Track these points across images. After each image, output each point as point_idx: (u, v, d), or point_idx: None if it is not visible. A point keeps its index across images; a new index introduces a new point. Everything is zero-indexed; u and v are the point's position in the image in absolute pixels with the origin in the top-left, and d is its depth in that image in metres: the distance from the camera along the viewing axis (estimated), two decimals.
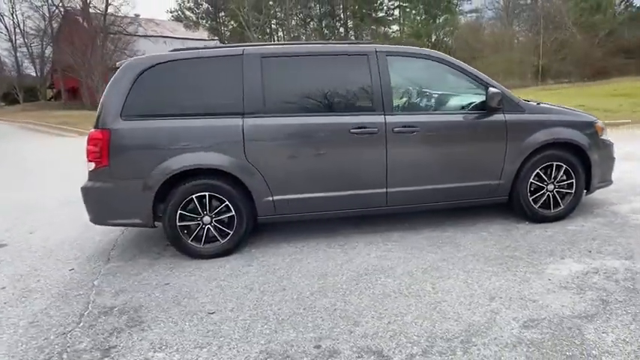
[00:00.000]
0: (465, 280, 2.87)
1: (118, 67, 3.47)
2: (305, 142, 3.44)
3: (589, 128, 3.76)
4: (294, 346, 2.28)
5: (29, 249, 3.95)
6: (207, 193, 3.37)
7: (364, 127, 3.41)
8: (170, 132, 3.33)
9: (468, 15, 41.92)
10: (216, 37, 42.56)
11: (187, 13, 47.57)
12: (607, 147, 3.85)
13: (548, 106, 3.95)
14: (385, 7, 48.64)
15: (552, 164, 3.68)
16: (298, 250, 3.55)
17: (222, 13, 50.50)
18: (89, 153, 3.36)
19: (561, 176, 3.72)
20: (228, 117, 3.36)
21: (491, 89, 3.47)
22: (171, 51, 3.54)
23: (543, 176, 3.70)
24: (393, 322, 2.44)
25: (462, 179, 3.64)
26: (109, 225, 3.75)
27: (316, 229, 3.87)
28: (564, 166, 3.69)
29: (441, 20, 35.04)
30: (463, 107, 3.66)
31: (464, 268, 3.05)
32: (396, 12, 49.24)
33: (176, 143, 3.33)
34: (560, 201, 3.76)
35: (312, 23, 47.90)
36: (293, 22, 44.57)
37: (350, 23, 51.94)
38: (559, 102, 5.45)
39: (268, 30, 43.77)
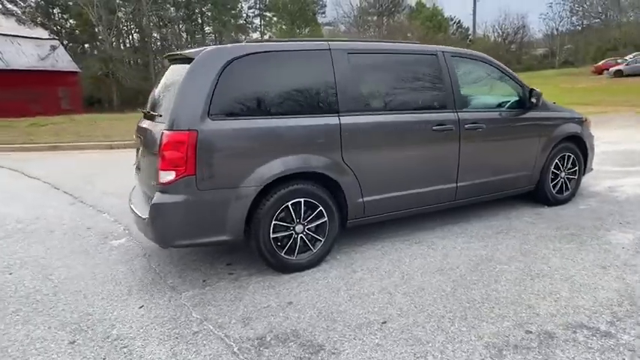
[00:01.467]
0: (562, 257, 3.23)
1: (186, 57, 2.94)
2: (395, 139, 3.41)
3: (583, 123, 4.55)
4: (509, 336, 2.30)
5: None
6: (302, 199, 3.08)
7: (443, 125, 3.54)
8: (266, 132, 2.96)
9: (325, 27, 44.98)
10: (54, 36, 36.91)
11: (9, 5, 40.19)
12: (592, 138, 4.72)
13: (556, 104, 4.61)
14: (245, 15, 48.91)
15: (565, 155, 4.35)
16: (382, 251, 3.48)
17: (58, 10, 44.27)
18: (166, 160, 2.76)
19: (570, 165, 4.43)
20: (323, 115, 3.13)
21: (535, 89, 3.95)
22: (249, 42, 3.13)
23: (560, 165, 4.35)
24: (558, 299, 2.64)
25: (510, 171, 4.05)
26: (181, 246, 3.17)
27: (368, 232, 3.83)
28: (572, 155, 4.41)
29: (306, 31, 36.71)
30: (506, 105, 4.07)
31: (547, 247, 3.41)
32: (257, 20, 49.87)
33: (273, 145, 2.97)
34: (568, 186, 4.47)
35: (168, 25, 45.35)
36: (148, 22, 41.45)
37: (208, 28, 50.63)
38: None
39: (125, 29, 39.93)
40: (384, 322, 2.48)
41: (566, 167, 4.40)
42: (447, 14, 38.95)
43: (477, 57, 3.95)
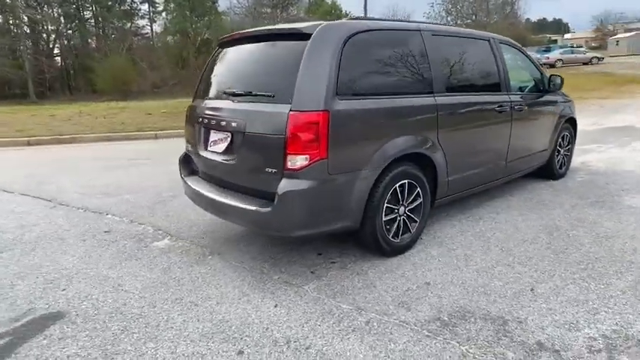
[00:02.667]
0: (610, 220, 3.69)
1: (298, 31, 2.70)
2: (472, 119, 3.56)
3: (572, 105, 5.19)
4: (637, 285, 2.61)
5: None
6: (406, 181, 3.06)
7: (502, 106, 3.79)
8: (388, 112, 2.88)
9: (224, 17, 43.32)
10: None
11: None
12: None
13: None
14: (129, 0, 44.86)
15: (564, 134, 4.94)
16: (458, 229, 3.62)
17: None
18: (298, 143, 2.52)
19: (566, 143, 5.04)
20: (425, 95, 3.13)
21: (557, 75, 4.41)
22: (353, 19, 2.96)
23: (561, 143, 4.93)
24: None
25: (538, 148, 4.48)
26: (300, 237, 2.99)
27: None
28: (568, 134, 5.03)
29: (205, 19, 34.97)
30: (534, 87, 4.46)
31: (590, 214, 3.86)
32: (145, 7, 46.14)
33: (393, 126, 2.91)
34: (564, 162, 5.08)
35: (41, 6, 39.51)
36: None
37: (87, 13, 45.55)
38: None
39: None
40: (532, 289, 2.63)
41: (564, 145, 5.01)
42: (343, 9, 40.47)
43: (512, 44, 4.28)
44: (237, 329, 2.31)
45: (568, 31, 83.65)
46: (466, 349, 2.09)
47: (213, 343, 2.20)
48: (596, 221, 3.68)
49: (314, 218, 2.68)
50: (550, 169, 4.85)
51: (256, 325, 2.34)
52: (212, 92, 3.32)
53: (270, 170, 2.65)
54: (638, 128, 8.45)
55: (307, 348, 2.14)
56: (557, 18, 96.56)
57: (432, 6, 54.96)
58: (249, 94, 2.87)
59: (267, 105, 2.72)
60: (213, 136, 3.10)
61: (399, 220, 3.09)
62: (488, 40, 3.86)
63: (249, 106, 2.84)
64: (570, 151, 5.15)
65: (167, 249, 3.40)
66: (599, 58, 30.20)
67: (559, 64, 29.27)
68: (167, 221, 4.04)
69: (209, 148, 3.13)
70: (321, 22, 2.76)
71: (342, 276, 2.86)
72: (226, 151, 2.94)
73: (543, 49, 35.31)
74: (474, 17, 52.13)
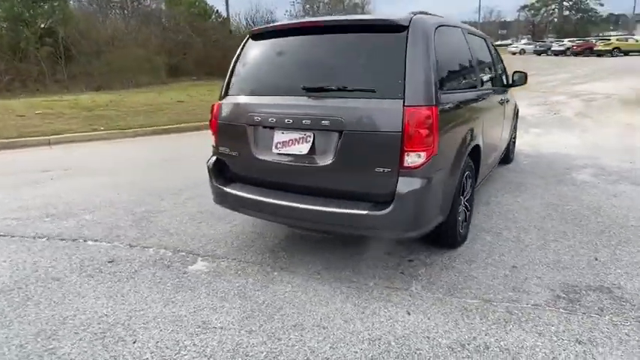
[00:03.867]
0: (583, 193, 4.37)
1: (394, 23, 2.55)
2: (491, 111, 3.81)
3: None
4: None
5: None
6: (468, 172, 3.16)
7: (502, 99, 4.16)
8: (466, 105, 2.95)
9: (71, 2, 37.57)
10: None
11: None
12: None
13: None
14: None
15: (515, 123, 5.64)
16: (484, 214, 3.87)
17: None
18: (417, 139, 2.41)
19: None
20: (475, 89, 3.26)
21: (521, 70, 4.97)
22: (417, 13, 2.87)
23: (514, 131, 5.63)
24: (618, 210, 3.70)
25: (510, 135, 5.02)
26: (415, 237, 2.76)
27: None
28: (516, 124, 5.76)
29: (47, 6, 29.77)
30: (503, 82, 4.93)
31: (562, 190, 4.50)
32: None
33: (472, 118, 3.01)
34: (512, 147, 5.80)
35: None
36: None
37: None
38: None
39: None
40: (595, 258, 2.98)
41: (514, 133, 5.73)
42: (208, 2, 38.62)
43: (492, 44, 4.70)
44: (399, 345, 2.13)
45: None
46: (609, 319, 2.29)
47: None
48: (574, 196, 4.32)
49: (426, 217, 2.60)
50: (507, 155, 5.51)
51: (414, 336, 2.19)
52: (266, 88, 2.92)
53: (380, 170, 2.47)
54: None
55: (487, 347, 2.09)
56: None
57: (292, 4, 56.20)
58: (343, 89, 2.60)
59: (370, 101, 2.52)
60: (282, 136, 2.74)
61: (463, 211, 3.18)
62: (485, 40, 4.20)
63: (342, 102, 2.58)
64: (515, 138, 5.92)
65: (213, 271, 2.92)
66: None
67: None
68: (176, 239, 3.45)
69: (276, 150, 2.76)
70: (403, 13, 2.66)
71: (435, 272, 2.84)
72: (312, 152, 2.64)
73: None
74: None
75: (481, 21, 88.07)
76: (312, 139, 2.64)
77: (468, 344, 2.12)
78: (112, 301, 2.58)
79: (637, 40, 31.11)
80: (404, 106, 2.41)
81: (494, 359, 2.02)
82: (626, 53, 28.68)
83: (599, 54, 30.37)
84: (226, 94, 3.09)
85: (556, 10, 71.00)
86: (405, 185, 2.43)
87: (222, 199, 3.08)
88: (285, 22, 2.96)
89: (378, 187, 2.51)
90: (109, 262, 3.10)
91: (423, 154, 2.43)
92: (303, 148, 2.66)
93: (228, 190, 2.99)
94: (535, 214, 3.84)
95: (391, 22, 2.59)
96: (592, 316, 2.33)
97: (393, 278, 2.77)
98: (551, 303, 2.45)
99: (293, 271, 2.90)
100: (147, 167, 5.94)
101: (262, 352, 2.09)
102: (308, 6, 56.94)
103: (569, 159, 5.66)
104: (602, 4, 68.71)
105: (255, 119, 2.82)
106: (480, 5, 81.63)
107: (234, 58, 3.14)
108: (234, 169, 3.06)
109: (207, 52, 31.11)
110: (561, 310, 2.39)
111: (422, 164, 2.44)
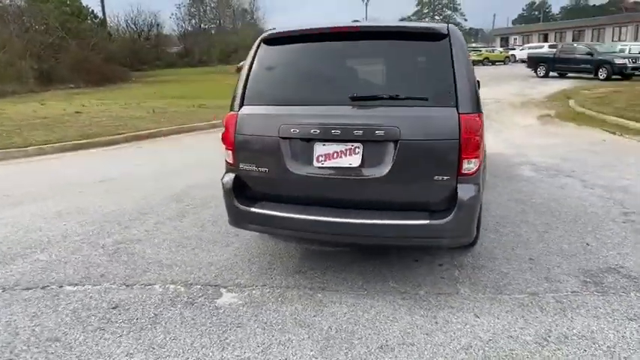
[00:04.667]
0: (525, 187, 4.90)
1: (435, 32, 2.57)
2: None
3: None
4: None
5: None
6: None
7: None
8: None
9: None
10: None
11: None
12: None
13: None
14: None
15: None
16: None
17: None
18: (473, 145, 2.45)
19: None
20: None
21: None
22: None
23: None
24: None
25: None
26: (467, 242, 2.83)
27: None
28: None
29: None
30: None
31: (512, 185, 5.01)
32: None
33: None
34: None
35: None
36: None
37: None
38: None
39: None
40: (587, 244, 3.36)
41: None
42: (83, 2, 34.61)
43: None
44: (493, 349, 2.15)
45: None
46: (635, 295, 2.60)
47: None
48: (531, 190, 4.82)
49: (477, 222, 2.67)
50: None
51: (500, 338, 2.23)
52: (299, 97, 2.71)
53: (439, 178, 2.47)
54: None
55: (566, 337, 2.22)
56: None
57: (178, 7, 53.48)
58: (395, 97, 2.53)
59: (423, 109, 2.50)
60: (323, 149, 2.58)
61: None
62: None
63: (396, 111, 2.52)
64: None
65: (251, 302, 2.63)
66: None
67: None
68: (178, 271, 3.04)
69: (318, 164, 2.59)
70: (435, 22, 2.71)
71: (472, 273, 2.92)
72: (362, 164, 2.52)
73: None
74: (218, 22, 53.81)
75: None
76: (360, 151, 2.53)
77: (549, 337, 2.23)
78: (152, 354, 2.16)
79: (500, 52, 36.15)
80: (458, 113, 2.45)
81: (579, 347, 2.16)
82: (493, 62, 33.14)
83: (473, 63, 34.47)
84: (242, 104, 2.81)
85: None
86: (465, 192, 2.47)
87: (245, 220, 2.79)
88: (310, 26, 2.78)
89: (435, 196, 2.51)
90: (113, 308, 2.59)
91: (476, 160, 2.49)
92: (354, 160, 2.54)
93: (255, 210, 2.72)
94: (511, 209, 4.19)
95: (432, 30, 2.62)
96: (621, 295, 2.63)
97: (438, 284, 2.79)
98: (584, 288, 2.70)
99: (336, 289, 2.75)
100: (81, 190, 5.10)
101: None
102: (194, 9, 54.92)
103: (506, 158, 6.30)
104: (466, 19, 78.57)
105: (292, 131, 2.61)
106: (366, 15, 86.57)
107: (248, 65, 2.86)
108: (260, 186, 2.79)
109: (84, 57, 28.02)
110: (595, 293, 2.65)
111: (476, 171, 2.50)
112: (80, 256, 3.32)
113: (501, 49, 38.71)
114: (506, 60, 34.23)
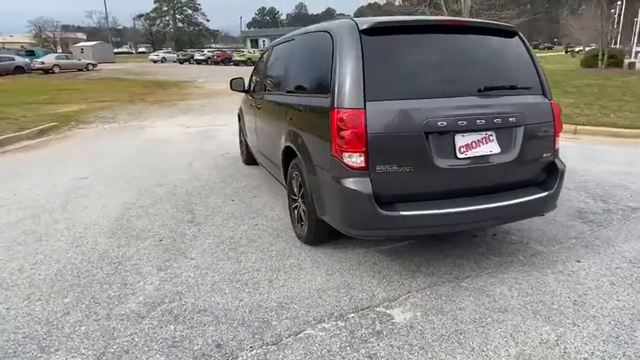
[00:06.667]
0: None
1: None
2: None
3: None
4: None
5: None
6: None
7: None
8: None
9: None
10: None
11: None
12: None
13: None
14: None
15: None
16: None
17: None
18: (560, 126, 2.99)
19: None
20: None
21: None
22: None
23: None
24: None
25: None
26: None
27: None
28: None
29: None
30: None
31: None
32: None
33: None
34: None
35: None
36: None
37: None
38: None
39: None
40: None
41: None
42: None
43: None
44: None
45: None
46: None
47: None
48: None
49: None
50: None
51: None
52: (427, 89, 2.60)
53: (546, 155, 2.87)
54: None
55: None
56: None
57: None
58: (513, 87, 2.75)
59: (529, 97, 2.83)
60: (463, 139, 2.60)
61: None
62: None
63: (518, 100, 2.79)
64: None
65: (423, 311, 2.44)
66: (93, 65, 31.44)
67: (57, 69, 28.21)
68: (300, 305, 2.49)
69: (461, 155, 2.59)
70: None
71: (523, 261, 3.37)
72: (499, 150, 2.67)
73: (24, 52, 32.20)
74: None
75: (96, 26, 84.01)
76: (494, 138, 2.68)
77: None
78: None
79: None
80: (548, 100, 2.90)
81: None
82: (254, 63, 35.18)
83: (236, 63, 35.63)
84: (365, 98, 2.49)
85: (170, 21, 76.70)
86: (561, 165, 2.95)
87: (388, 226, 2.54)
88: (415, 17, 2.66)
89: (541, 171, 2.90)
90: None
91: (559, 139, 3.00)
92: (492, 148, 2.66)
93: (404, 213, 2.50)
94: None
95: (509, 28, 2.96)
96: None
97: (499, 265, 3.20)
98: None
99: (467, 275, 2.82)
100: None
101: None
102: None
103: None
104: (208, 20, 79.75)
105: (439, 124, 2.51)
106: (106, 10, 76.52)
107: (354, 57, 2.53)
108: (399, 187, 2.56)
109: None
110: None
111: (558, 147, 3.01)
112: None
113: (262, 50, 41.57)
114: None
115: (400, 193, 2.59)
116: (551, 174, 2.93)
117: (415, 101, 2.57)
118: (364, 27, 2.63)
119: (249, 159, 5.65)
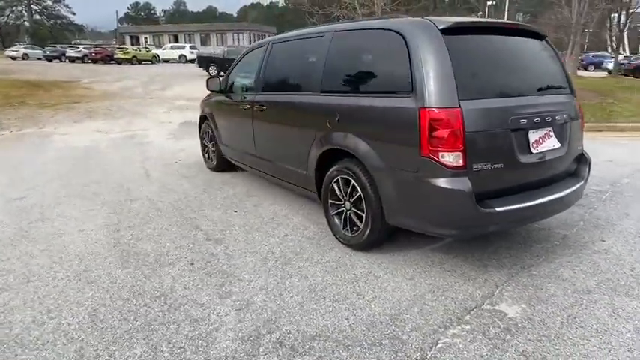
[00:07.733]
0: None
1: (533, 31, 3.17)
2: None
3: None
4: None
5: None
6: None
7: None
8: None
9: None
10: None
11: None
12: None
13: None
14: None
15: None
16: None
17: None
18: (583, 121, 3.30)
19: None
20: None
21: None
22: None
23: None
24: None
25: None
26: None
27: None
28: None
29: None
30: None
31: None
32: None
33: None
34: None
35: None
36: None
37: None
38: None
39: None
40: None
41: None
42: None
43: None
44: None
45: None
46: None
47: None
48: None
49: None
50: None
51: None
52: (503, 88, 2.70)
53: (579, 147, 3.17)
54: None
55: None
56: None
57: None
58: (559, 87, 3.01)
59: (566, 96, 3.10)
60: (534, 135, 2.74)
61: None
62: None
63: (564, 98, 3.03)
64: None
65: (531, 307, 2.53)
66: None
67: None
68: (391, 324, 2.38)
69: (535, 150, 2.73)
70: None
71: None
72: (562, 144, 2.92)
73: None
74: None
75: None
76: (552, 133, 2.88)
77: None
78: None
79: (148, 50, 35.34)
80: (574, 97, 3.23)
81: None
82: (140, 62, 32.06)
83: (119, 62, 31.73)
84: (459, 97, 2.47)
85: (25, 12, 66.00)
86: (588, 156, 3.29)
87: (486, 222, 2.55)
88: (483, 19, 2.70)
89: (575, 162, 3.20)
90: None
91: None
92: (554, 143, 2.85)
93: (500, 209, 2.54)
94: None
95: (541, 31, 3.19)
96: None
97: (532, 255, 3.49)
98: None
99: (549, 274, 2.98)
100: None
101: None
102: None
103: None
104: (74, 13, 70.34)
105: (522, 122, 2.62)
106: None
107: (442, 56, 2.48)
108: (491, 184, 2.59)
109: None
110: None
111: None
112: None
113: (148, 48, 38.47)
114: (153, 59, 34.19)
115: (490, 190, 2.63)
116: (581, 164, 3.26)
117: (498, 99, 2.64)
118: (443, 27, 2.60)
119: (222, 165, 5.18)
